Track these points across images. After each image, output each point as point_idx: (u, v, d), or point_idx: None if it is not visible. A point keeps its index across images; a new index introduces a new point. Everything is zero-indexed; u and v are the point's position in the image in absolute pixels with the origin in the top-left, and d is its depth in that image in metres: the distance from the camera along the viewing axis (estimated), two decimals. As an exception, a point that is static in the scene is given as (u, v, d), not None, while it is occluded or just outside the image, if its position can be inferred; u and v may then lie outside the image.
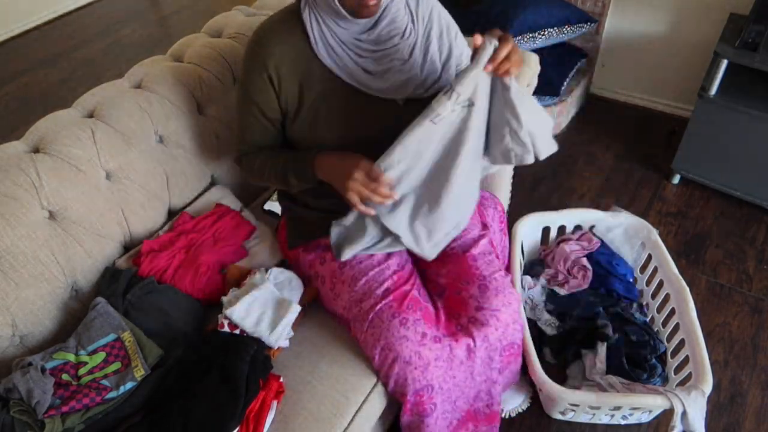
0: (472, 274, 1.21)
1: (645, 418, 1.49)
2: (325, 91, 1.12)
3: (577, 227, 1.81)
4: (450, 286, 1.23)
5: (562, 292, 1.67)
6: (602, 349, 1.50)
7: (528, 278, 1.70)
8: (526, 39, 2.30)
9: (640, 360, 1.49)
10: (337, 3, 1.02)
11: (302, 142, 1.18)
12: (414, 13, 1.13)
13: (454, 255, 1.25)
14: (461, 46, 1.21)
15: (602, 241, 1.75)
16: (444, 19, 1.18)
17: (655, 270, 1.65)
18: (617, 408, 1.39)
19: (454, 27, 1.21)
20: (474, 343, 1.17)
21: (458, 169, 1.06)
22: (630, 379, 1.44)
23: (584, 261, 1.68)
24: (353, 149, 1.13)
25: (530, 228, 1.75)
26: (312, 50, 1.09)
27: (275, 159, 1.18)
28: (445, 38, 1.17)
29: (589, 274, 1.66)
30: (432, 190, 1.09)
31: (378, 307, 1.14)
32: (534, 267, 1.77)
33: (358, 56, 1.10)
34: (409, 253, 1.31)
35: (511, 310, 1.20)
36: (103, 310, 1.15)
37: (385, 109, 1.14)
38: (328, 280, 1.24)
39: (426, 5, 1.15)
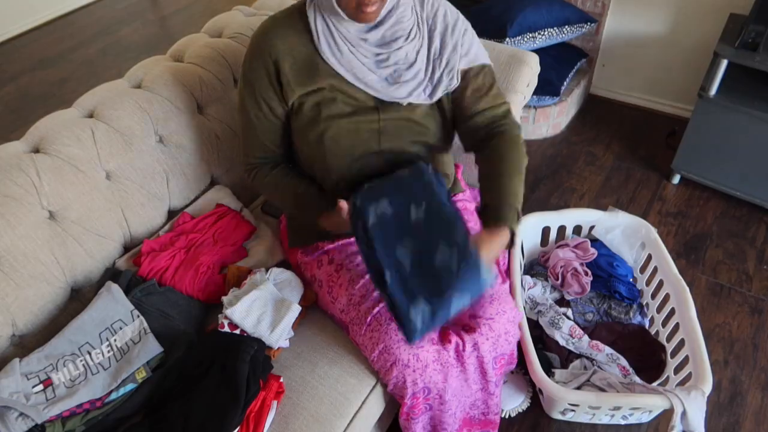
0: None
1: (645, 418, 1.49)
2: (328, 90, 1.12)
3: (578, 227, 1.81)
4: None
5: (568, 297, 1.67)
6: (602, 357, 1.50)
7: (528, 278, 1.70)
8: (526, 39, 2.30)
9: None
10: (336, 6, 1.02)
11: (303, 141, 1.18)
12: (419, 15, 1.12)
13: None
14: (468, 45, 1.16)
15: (602, 243, 1.75)
16: (450, 18, 1.15)
17: (655, 270, 1.65)
18: (617, 408, 1.39)
19: (462, 25, 1.16)
20: (463, 347, 1.15)
21: None
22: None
23: (576, 264, 1.67)
24: (355, 149, 1.14)
25: (530, 228, 1.75)
26: (315, 48, 1.09)
27: (284, 191, 1.21)
28: (449, 40, 1.14)
29: (584, 279, 1.65)
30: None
31: (376, 309, 1.14)
32: (534, 267, 1.77)
33: (363, 56, 1.09)
34: None
35: (504, 319, 1.18)
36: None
37: (389, 111, 1.14)
38: (325, 283, 1.24)
39: (431, 6, 1.14)
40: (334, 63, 1.09)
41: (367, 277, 1.18)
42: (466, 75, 1.15)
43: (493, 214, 1.06)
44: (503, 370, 1.26)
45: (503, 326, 1.18)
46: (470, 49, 1.16)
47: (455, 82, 1.14)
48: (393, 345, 1.10)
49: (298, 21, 1.10)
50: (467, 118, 1.18)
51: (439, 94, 1.14)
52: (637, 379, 1.47)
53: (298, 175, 1.23)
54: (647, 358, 1.52)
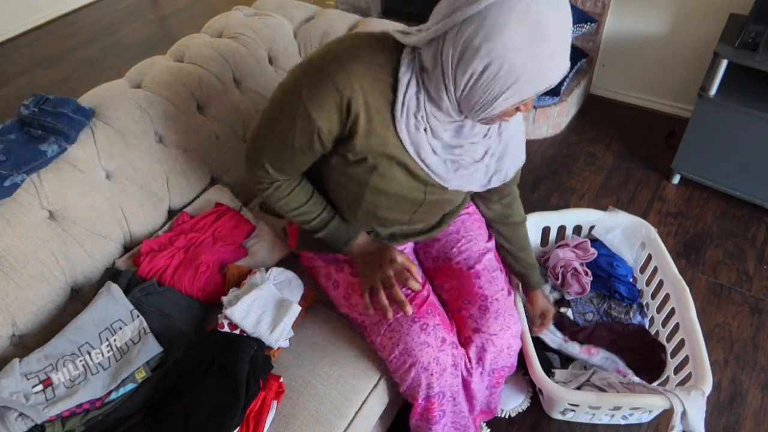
0: (474, 293, 1.20)
1: (645, 418, 1.49)
2: (386, 155, 0.97)
3: (578, 227, 1.81)
4: (451, 303, 1.23)
5: (568, 297, 1.67)
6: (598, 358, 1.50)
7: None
8: (526, 39, 2.30)
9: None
10: (473, 109, 0.87)
11: (341, 181, 1.06)
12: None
13: (458, 270, 1.24)
14: (523, 142, 1.12)
15: (602, 243, 1.75)
16: (518, 119, 1.08)
17: (655, 270, 1.64)
18: (617, 408, 1.39)
19: (523, 124, 1.13)
20: (470, 363, 1.18)
21: None
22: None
23: (576, 264, 1.67)
24: (389, 212, 1.10)
25: (530, 228, 1.74)
26: (392, 111, 0.93)
27: (310, 211, 1.10)
28: (513, 141, 1.07)
29: (584, 279, 1.65)
30: None
31: (399, 314, 1.11)
32: (534, 267, 1.77)
33: (435, 140, 0.96)
34: (419, 261, 1.31)
35: (508, 335, 1.19)
36: (103, 310, 1.15)
37: (435, 192, 1.07)
38: (342, 287, 1.20)
39: None
40: (404, 135, 0.94)
41: None
42: None
43: (534, 282, 1.38)
44: (498, 381, 1.28)
45: (506, 341, 1.19)
46: (524, 144, 1.13)
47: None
48: (414, 347, 1.09)
49: (385, 66, 0.90)
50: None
51: (492, 185, 1.09)
52: (636, 379, 1.47)
53: (323, 200, 1.13)
54: (647, 358, 1.52)
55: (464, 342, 1.18)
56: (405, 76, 0.89)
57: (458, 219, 1.30)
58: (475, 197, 1.32)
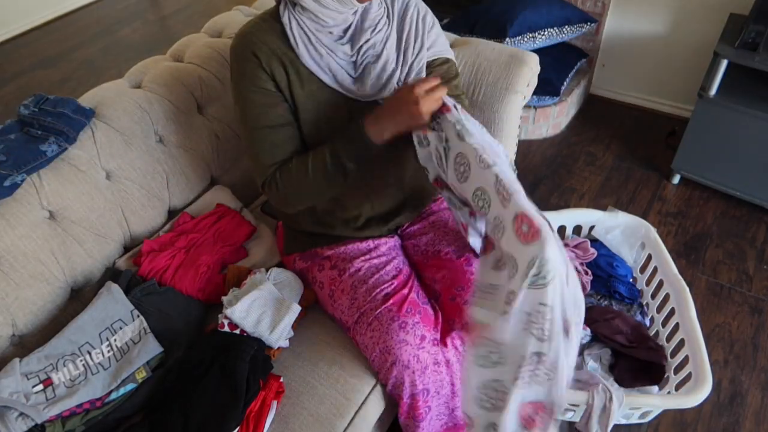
0: (467, 279, 1.20)
1: (645, 418, 1.49)
2: (310, 94, 1.11)
3: (577, 228, 1.81)
4: (444, 292, 1.22)
5: None
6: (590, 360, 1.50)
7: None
8: (526, 39, 2.30)
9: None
10: None
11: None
12: (389, 7, 1.14)
13: (448, 261, 1.24)
14: (434, 37, 1.19)
15: (602, 244, 1.75)
16: (420, 10, 1.18)
17: (655, 270, 1.64)
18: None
19: (430, 19, 1.20)
20: (463, 345, 1.16)
21: None
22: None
23: (575, 263, 1.67)
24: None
25: (530, 228, 1.75)
26: (294, 52, 1.08)
27: (315, 153, 1.09)
28: (420, 28, 1.16)
29: (584, 278, 1.65)
30: None
31: (378, 311, 1.14)
32: (534, 267, 1.77)
33: (340, 59, 1.10)
34: (406, 255, 1.31)
35: None
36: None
37: (368, 112, 1.10)
38: (326, 286, 1.24)
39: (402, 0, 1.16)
40: (313, 66, 1.09)
41: (370, 282, 1.17)
42: (429, 66, 1.19)
43: None
44: None
45: None
46: (436, 41, 1.20)
47: (423, 72, 1.16)
48: (394, 345, 1.10)
49: (273, 26, 1.09)
50: None
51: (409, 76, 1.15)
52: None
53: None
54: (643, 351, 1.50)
55: (462, 329, 1.17)
56: (284, 15, 1.08)
57: (445, 214, 1.31)
58: None
